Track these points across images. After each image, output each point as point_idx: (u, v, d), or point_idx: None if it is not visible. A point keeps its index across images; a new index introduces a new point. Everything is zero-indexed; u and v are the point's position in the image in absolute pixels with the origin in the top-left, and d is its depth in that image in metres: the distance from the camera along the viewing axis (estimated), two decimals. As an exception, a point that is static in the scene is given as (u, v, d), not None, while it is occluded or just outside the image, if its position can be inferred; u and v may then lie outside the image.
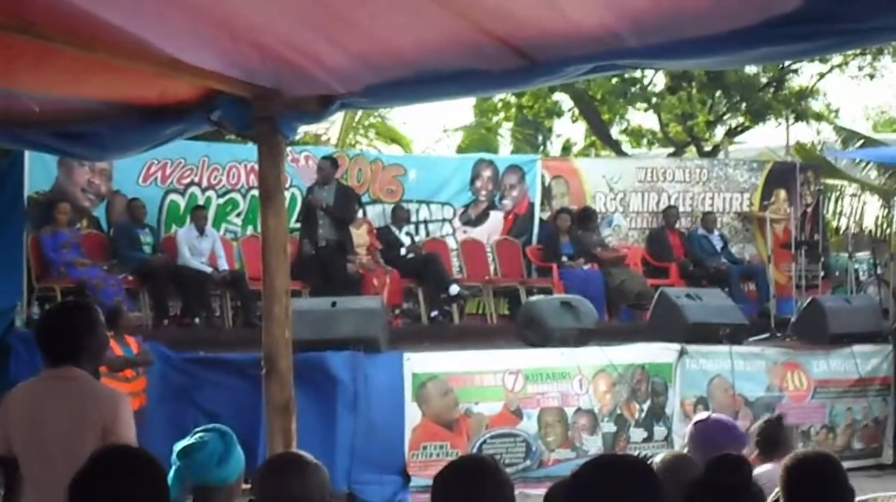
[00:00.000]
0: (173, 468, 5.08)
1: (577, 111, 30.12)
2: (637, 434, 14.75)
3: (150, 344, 13.22)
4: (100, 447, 4.17)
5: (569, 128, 32.28)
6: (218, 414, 11.92)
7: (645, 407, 14.82)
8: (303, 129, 19.18)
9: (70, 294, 14.49)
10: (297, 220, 16.74)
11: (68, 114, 5.94)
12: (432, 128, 57.01)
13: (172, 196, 16.98)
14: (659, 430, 14.71)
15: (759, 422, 7.46)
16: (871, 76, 28.92)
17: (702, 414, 6.96)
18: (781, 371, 15.58)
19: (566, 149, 32.19)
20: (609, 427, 14.61)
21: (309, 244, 16.46)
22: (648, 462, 3.38)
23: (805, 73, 28.25)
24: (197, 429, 5.45)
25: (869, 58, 28.06)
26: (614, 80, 26.95)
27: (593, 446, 14.33)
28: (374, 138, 27.63)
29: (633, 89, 28.08)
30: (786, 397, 15.38)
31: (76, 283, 14.84)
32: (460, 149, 30.95)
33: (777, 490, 4.51)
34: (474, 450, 13.50)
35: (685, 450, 6.36)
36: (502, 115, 31.60)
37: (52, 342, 5.66)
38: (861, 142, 25.90)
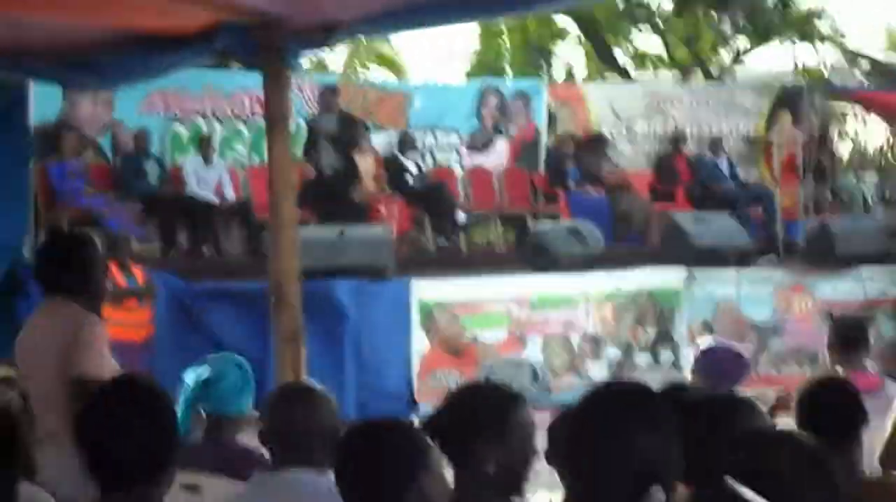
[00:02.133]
0: (183, 395, 5.10)
1: (581, 35, 29.94)
2: (643, 359, 14.78)
3: (158, 273, 13.23)
4: (110, 378, 4.17)
5: (573, 52, 32.09)
6: (227, 343, 11.92)
7: (651, 332, 14.84)
8: (307, 58, 19.08)
9: (77, 223, 14.47)
10: (304, 150, 16.69)
11: (72, 42, 5.91)
12: (438, 53, 56.62)
13: (175, 125, 16.93)
14: (666, 355, 14.74)
15: (835, 323, 7.28)
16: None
17: (707, 341, 7.01)
18: (788, 294, 15.58)
19: (570, 74, 32.02)
20: (614, 353, 14.64)
21: (315, 172, 16.41)
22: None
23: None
24: (210, 357, 5.45)
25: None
26: (620, 4, 26.77)
27: (598, 372, 14.37)
28: (374, 65, 27.50)
29: (638, 12, 27.89)
30: (791, 320, 15.38)
31: (83, 213, 14.83)
32: (466, 75, 30.82)
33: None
34: (482, 377, 13.53)
35: (691, 377, 6.42)
36: (507, 39, 31.42)
37: (42, 275, 5.70)
38: (868, 64, 25.75)
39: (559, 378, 14.27)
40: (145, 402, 3.53)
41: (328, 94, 16.95)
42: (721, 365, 6.37)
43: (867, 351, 6.68)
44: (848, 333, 6.79)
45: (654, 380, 3.18)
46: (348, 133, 16.81)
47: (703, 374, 6.31)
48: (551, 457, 3.89)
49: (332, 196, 16.17)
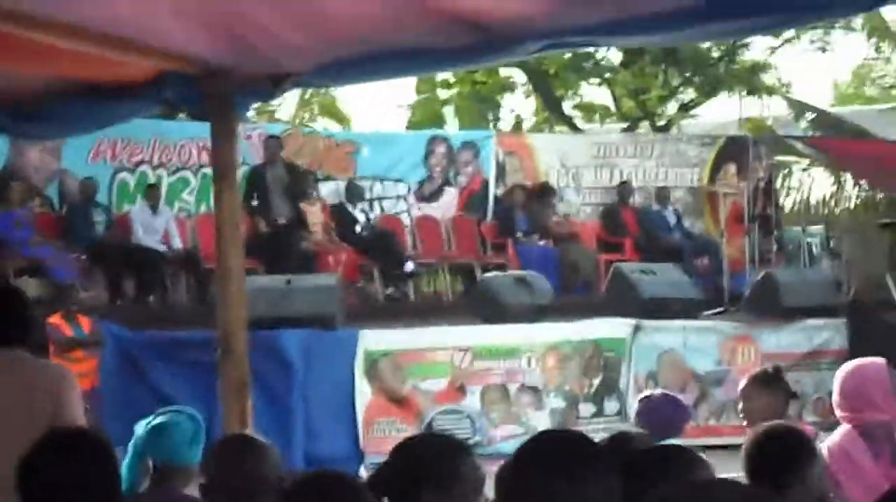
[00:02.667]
0: (132, 446, 5.07)
1: (530, 86, 30.09)
2: (586, 409, 14.82)
3: (104, 323, 13.16)
4: (50, 428, 4.15)
5: (521, 104, 32.24)
6: (172, 394, 11.87)
7: (595, 382, 14.88)
8: (255, 107, 19.10)
9: (23, 273, 14.41)
10: (245, 199, 16.68)
11: (19, 92, 5.89)
12: (382, 104, 56.75)
13: (122, 174, 16.91)
14: (611, 405, 14.75)
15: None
16: (823, 49, 29.04)
17: (647, 391, 7.09)
18: (733, 345, 15.66)
19: (518, 125, 32.16)
20: (557, 402, 14.66)
21: (263, 222, 16.40)
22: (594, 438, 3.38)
23: (757, 48, 28.35)
24: (163, 410, 5.44)
25: (821, 32, 28.15)
26: (567, 55, 26.94)
27: (541, 422, 14.37)
28: (318, 115, 27.54)
29: (586, 64, 28.08)
30: (733, 371, 15.44)
31: (29, 262, 14.76)
32: (411, 125, 30.89)
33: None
34: (424, 427, 13.53)
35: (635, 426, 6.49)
36: (456, 90, 31.52)
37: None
38: (813, 115, 25.97)
39: (497, 428, 14.28)
40: (87, 452, 3.52)
41: (273, 144, 17.00)
42: (660, 412, 6.46)
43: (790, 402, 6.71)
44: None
45: (598, 430, 3.19)
46: (296, 183, 16.84)
47: (644, 422, 6.42)
48: None
49: (280, 246, 16.17)
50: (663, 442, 4.97)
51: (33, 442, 3.67)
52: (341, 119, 28.69)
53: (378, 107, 55.58)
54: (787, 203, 23.20)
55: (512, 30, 5.12)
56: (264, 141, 17.20)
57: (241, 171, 15.13)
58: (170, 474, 5.13)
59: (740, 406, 6.35)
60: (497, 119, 32.09)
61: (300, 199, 16.84)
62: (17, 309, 5.75)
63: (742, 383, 6.40)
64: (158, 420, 5.22)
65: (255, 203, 16.57)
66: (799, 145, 23.26)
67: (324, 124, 27.13)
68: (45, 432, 3.82)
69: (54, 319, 12.67)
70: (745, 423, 6.28)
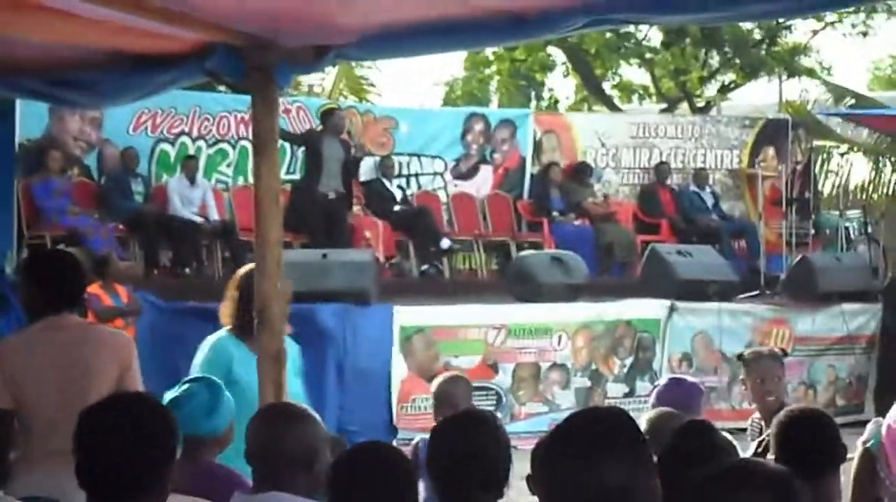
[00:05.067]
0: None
1: (569, 65, 30.05)
2: (616, 389, 14.81)
3: (140, 293, 13.21)
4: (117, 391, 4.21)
5: (561, 83, 32.24)
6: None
7: (627, 362, 14.88)
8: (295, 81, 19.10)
9: (61, 242, 14.48)
10: (288, 171, 16.71)
11: (63, 61, 5.91)
12: (422, 81, 56.83)
13: (162, 145, 16.95)
14: (642, 386, 14.72)
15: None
16: (865, 34, 28.88)
17: (663, 379, 7.14)
18: (767, 328, 15.61)
19: (555, 104, 32.11)
20: (582, 382, 14.66)
21: (313, 194, 16.23)
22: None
23: (798, 30, 28.23)
24: (184, 380, 5.48)
25: (862, 16, 28.00)
26: (608, 35, 26.88)
27: (566, 400, 14.39)
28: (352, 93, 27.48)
29: (627, 44, 28.01)
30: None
31: (67, 231, 14.82)
32: (450, 102, 30.89)
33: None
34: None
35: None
36: (494, 67, 31.51)
37: (56, 290, 5.70)
38: (853, 100, 25.82)
39: (524, 405, 14.30)
40: (143, 417, 3.56)
41: (334, 117, 16.86)
42: (675, 397, 6.47)
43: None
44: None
45: (629, 411, 3.18)
46: (352, 158, 16.85)
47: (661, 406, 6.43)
48: (532, 482, 3.90)
49: (330, 219, 16.08)
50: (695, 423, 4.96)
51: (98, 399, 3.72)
52: (378, 97, 28.61)
53: (414, 85, 55.55)
54: (825, 187, 23.05)
55: (553, 5, 5.10)
56: (336, 113, 17.15)
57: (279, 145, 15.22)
58: (195, 444, 5.17)
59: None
60: (539, 98, 32.08)
61: (352, 175, 16.83)
62: (74, 274, 5.82)
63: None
64: (173, 393, 5.27)
65: (305, 175, 16.52)
66: (838, 129, 23.11)
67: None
68: (105, 397, 3.87)
69: (93, 288, 12.72)
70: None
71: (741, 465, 3.26)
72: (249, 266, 6.62)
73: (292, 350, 6.51)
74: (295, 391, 6.51)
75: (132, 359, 5.72)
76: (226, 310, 6.73)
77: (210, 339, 6.93)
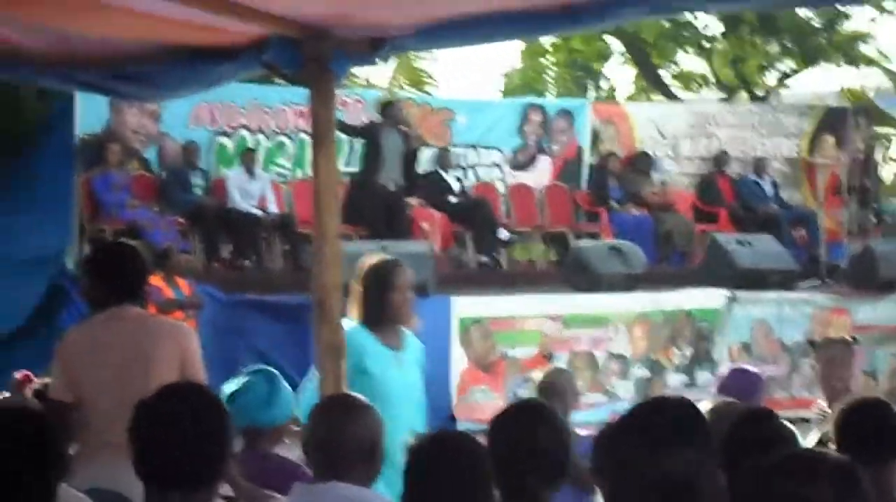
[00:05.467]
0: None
1: (627, 55, 29.95)
2: (676, 379, 14.75)
3: (201, 286, 13.29)
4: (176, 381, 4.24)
5: (618, 72, 32.14)
6: (268, 356, 11.97)
7: (687, 352, 14.82)
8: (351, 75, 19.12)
9: (121, 235, 14.56)
10: (346, 164, 16.73)
11: (121, 54, 5.94)
12: (479, 71, 56.75)
13: (221, 139, 17.03)
14: (703, 376, 14.67)
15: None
16: (924, 21, 28.62)
17: (726, 368, 7.17)
18: (827, 317, 15.52)
19: (612, 94, 32.01)
20: (642, 372, 14.61)
21: (373, 187, 16.24)
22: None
23: (857, 18, 27.98)
24: (243, 371, 5.52)
25: (923, 2, 27.73)
26: (666, 24, 26.77)
27: (625, 391, 14.35)
28: (403, 81, 27.47)
29: (684, 33, 27.88)
30: (822, 343, 15.27)
31: (126, 225, 14.92)
32: (508, 93, 30.85)
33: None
34: (510, 394, 13.53)
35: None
36: (552, 58, 31.46)
37: (118, 282, 5.74)
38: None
39: (581, 396, 14.25)
40: (200, 409, 3.58)
41: (394, 109, 16.90)
42: (738, 386, 6.46)
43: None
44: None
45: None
46: (412, 150, 16.86)
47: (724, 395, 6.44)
48: (594, 471, 3.93)
49: (390, 211, 16.10)
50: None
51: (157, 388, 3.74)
52: (434, 88, 28.59)
53: (471, 75, 55.46)
54: (886, 175, 22.90)
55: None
56: (395, 104, 17.18)
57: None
58: (254, 435, 5.21)
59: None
60: (598, 87, 32.00)
61: (411, 166, 16.84)
62: (136, 265, 5.87)
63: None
64: (232, 386, 5.31)
65: (364, 167, 16.55)
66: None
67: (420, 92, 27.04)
68: (162, 388, 3.89)
69: (154, 281, 12.80)
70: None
71: (803, 454, 3.24)
72: (370, 258, 6.82)
73: (414, 342, 6.96)
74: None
75: (194, 350, 5.73)
76: (352, 305, 6.76)
77: None
